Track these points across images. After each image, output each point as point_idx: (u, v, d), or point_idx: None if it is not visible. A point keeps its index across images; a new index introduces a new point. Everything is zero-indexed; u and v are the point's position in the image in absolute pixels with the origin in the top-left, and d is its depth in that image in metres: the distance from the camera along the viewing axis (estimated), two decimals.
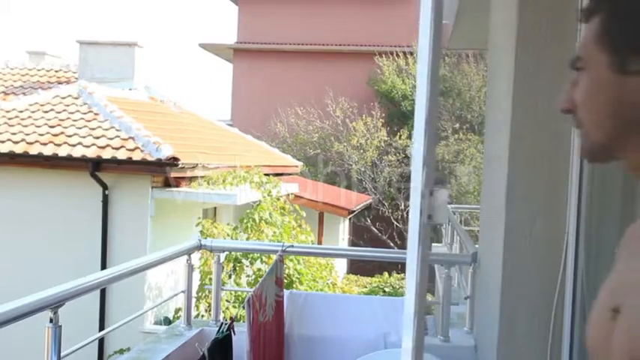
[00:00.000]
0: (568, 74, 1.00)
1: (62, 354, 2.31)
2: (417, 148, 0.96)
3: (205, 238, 4.63)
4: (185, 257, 3.60)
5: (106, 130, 9.24)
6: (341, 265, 15.68)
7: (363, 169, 18.66)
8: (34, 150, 8.79)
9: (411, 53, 19.75)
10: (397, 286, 13.70)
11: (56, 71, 13.62)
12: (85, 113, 9.81)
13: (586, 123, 0.98)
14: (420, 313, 0.94)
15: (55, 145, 8.87)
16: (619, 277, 0.96)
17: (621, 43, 0.94)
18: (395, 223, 18.29)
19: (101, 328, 8.47)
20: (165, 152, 8.47)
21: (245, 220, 8.52)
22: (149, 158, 8.53)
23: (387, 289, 13.71)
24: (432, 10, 0.94)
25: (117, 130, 9.20)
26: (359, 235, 18.17)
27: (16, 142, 8.93)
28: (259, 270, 8.05)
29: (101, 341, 8.43)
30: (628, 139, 0.94)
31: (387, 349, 3.21)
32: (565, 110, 1.03)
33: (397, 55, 20.27)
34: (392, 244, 17.84)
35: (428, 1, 0.96)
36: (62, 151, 8.76)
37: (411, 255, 0.95)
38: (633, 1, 0.95)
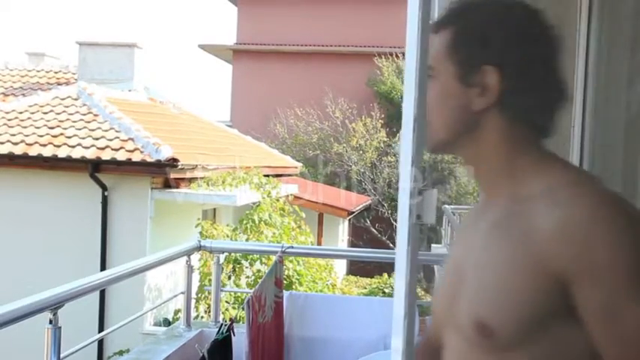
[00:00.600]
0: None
1: (62, 355, 2.31)
2: (405, 146, 0.95)
3: (205, 239, 4.63)
4: (184, 258, 3.60)
5: (106, 131, 9.24)
6: (340, 266, 15.68)
7: (362, 170, 18.66)
8: (33, 151, 8.79)
9: None
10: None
11: (55, 72, 13.62)
12: (84, 114, 9.81)
13: (434, 123, 1.13)
14: (411, 315, 0.94)
15: (55, 146, 8.87)
16: (459, 256, 1.19)
17: (466, 59, 1.10)
18: (394, 224, 18.29)
19: (101, 329, 8.47)
20: (165, 153, 8.47)
21: (244, 221, 8.52)
22: (149, 159, 8.53)
23: (386, 290, 13.72)
24: (420, 5, 0.94)
25: (116, 132, 9.20)
26: (358, 236, 18.18)
27: (15, 144, 8.93)
28: (259, 271, 8.04)
29: (101, 342, 8.43)
30: (464, 139, 1.14)
31: (387, 350, 3.21)
32: None
33: (396, 56, 20.28)
34: (391, 245, 17.85)
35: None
36: (61, 153, 8.76)
37: (400, 256, 0.95)
38: (477, 22, 1.11)
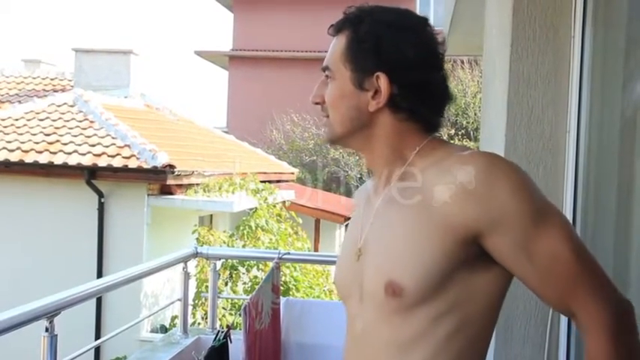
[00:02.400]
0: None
1: None
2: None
3: (201, 246, 4.63)
4: (181, 265, 3.59)
5: (102, 137, 9.23)
6: None
7: (359, 175, 18.66)
8: (29, 158, 8.78)
9: None
10: None
11: (52, 79, 13.61)
12: (80, 121, 9.80)
13: (331, 118, 1.29)
14: None
15: (51, 153, 8.86)
16: (356, 235, 1.32)
17: (360, 65, 1.24)
18: None
19: (97, 336, 8.44)
20: (161, 160, 8.47)
21: (241, 228, 8.51)
22: (145, 166, 8.52)
23: None
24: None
25: (113, 138, 9.19)
26: None
27: (11, 151, 8.91)
28: (255, 277, 8.03)
29: (97, 350, 8.40)
30: (359, 134, 1.28)
31: None
32: (314, 103, 1.33)
33: None
34: None
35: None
36: (58, 159, 8.74)
37: None
38: (370, 30, 1.24)
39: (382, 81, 1.23)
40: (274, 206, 9.16)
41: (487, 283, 1.18)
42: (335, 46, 1.30)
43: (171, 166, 8.51)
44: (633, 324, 1.11)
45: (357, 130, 1.28)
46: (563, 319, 2.57)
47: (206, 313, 6.90)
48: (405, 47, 1.23)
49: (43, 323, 2.24)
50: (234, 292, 7.97)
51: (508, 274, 1.19)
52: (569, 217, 2.53)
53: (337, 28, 1.32)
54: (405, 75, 1.23)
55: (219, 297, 4.84)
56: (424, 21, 1.28)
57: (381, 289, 1.19)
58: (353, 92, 1.26)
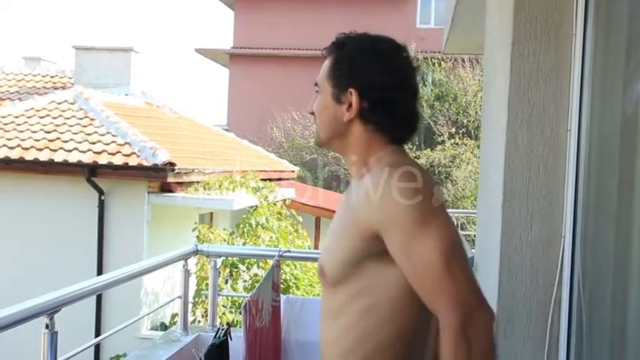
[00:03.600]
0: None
1: None
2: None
3: (202, 244, 4.62)
4: (181, 263, 3.60)
5: (102, 135, 9.23)
6: None
7: None
8: (30, 155, 8.77)
9: None
10: None
11: (52, 77, 13.60)
12: (81, 119, 9.80)
13: (318, 125, 1.60)
14: None
15: (51, 150, 8.86)
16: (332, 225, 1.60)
17: (338, 84, 1.52)
18: None
19: (97, 334, 8.44)
20: (162, 157, 8.47)
21: (241, 225, 8.51)
22: (145, 163, 8.51)
23: None
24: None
25: (113, 136, 9.19)
26: None
27: (11, 148, 8.91)
28: (256, 275, 8.03)
29: (97, 347, 8.41)
30: (338, 139, 1.57)
31: None
32: (310, 113, 1.62)
33: None
34: None
35: None
36: (58, 157, 8.74)
37: None
38: (348, 54, 1.52)
39: (353, 97, 1.50)
40: (274, 204, 9.16)
41: (394, 276, 1.42)
42: (324, 67, 1.58)
43: (172, 164, 8.51)
44: (481, 329, 1.31)
45: (336, 136, 1.57)
46: (564, 318, 2.57)
47: (206, 311, 6.90)
48: (374, 70, 1.50)
49: (44, 320, 2.25)
50: (235, 289, 7.97)
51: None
52: (569, 214, 2.54)
53: (327, 52, 1.58)
54: (373, 93, 1.49)
55: (219, 295, 4.85)
56: (400, 48, 1.55)
57: (319, 270, 1.55)
58: (333, 105, 1.54)
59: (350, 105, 1.51)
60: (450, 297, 1.31)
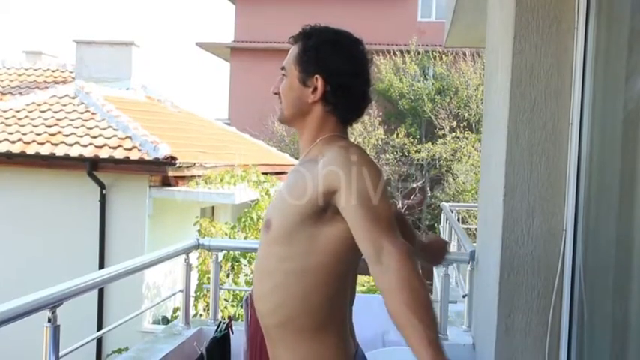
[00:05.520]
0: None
1: (60, 353, 2.31)
2: None
3: (203, 237, 4.63)
4: (183, 256, 3.60)
5: (104, 129, 9.23)
6: None
7: None
8: (31, 150, 8.77)
9: (408, 52, 19.76)
10: None
11: (53, 71, 13.59)
12: (82, 113, 9.79)
13: (283, 104, 1.79)
14: None
15: (53, 144, 8.86)
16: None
17: (305, 69, 1.71)
18: None
19: (99, 327, 8.47)
20: (163, 151, 8.46)
21: (243, 219, 8.52)
22: (147, 157, 8.51)
23: None
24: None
25: (114, 130, 9.18)
26: None
27: (13, 142, 8.91)
28: None
29: (99, 341, 8.43)
30: (299, 118, 1.76)
31: (385, 348, 3.21)
32: (274, 93, 1.82)
33: (394, 54, 20.26)
34: None
35: None
36: (59, 151, 8.74)
37: None
38: (315, 43, 1.71)
39: (319, 81, 1.69)
40: None
41: (327, 242, 1.62)
42: (291, 53, 1.76)
43: (173, 158, 8.51)
44: (411, 258, 1.51)
45: (299, 114, 1.75)
46: (565, 312, 2.58)
47: (208, 305, 6.93)
48: (337, 58, 1.70)
49: (46, 314, 2.25)
50: (236, 283, 7.98)
51: (346, 237, 1.59)
52: (571, 207, 2.54)
53: (295, 40, 1.77)
54: (335, 78, 1.69)
55: (220, 288, 4.86)
56: (358, 41, 1.75)
57: (264, 223, 1.73)
58: (298, 87, 1.73)
59: (315, 88, 1.70)
60: (389, 239, 1.51)
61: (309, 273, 1.64)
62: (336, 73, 1.69)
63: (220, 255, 4.17)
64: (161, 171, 8.68)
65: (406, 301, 1.44)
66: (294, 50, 1.76)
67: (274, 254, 1.68)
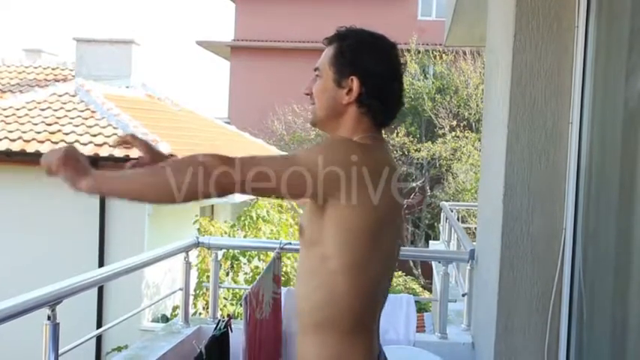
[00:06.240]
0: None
1: (60, 351, 2.31)
2: None
3: (203, 236, 4.63)
4: (183, 255, 3.60)
5: (103, 127, 9.23)
6: None
7: None
8: (31, 148, 8.77)
9: (408, 50, 19.74)
10: (394, 284, 13.71)
11: (53, 69, 13.59)
12: (82, 111, 9.79)
13: (316, 105, 1.75)
14: None
15: (53, 142, 8.86)
16: None
17: (340, 70, 1.70)
18: None
19: (99, 325, 8.47)
20: (163, 150, 8.43)
21: (242, 218, 8.52)
22: None
23: None
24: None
25: (114, 128, 9.18)
26: None
27: (13, 140, 8.91)
28: (257, 268, 8.05)
29: (99, 339, 8.43)
30: (333, 120, 1.73)
31: (385, 346, 3.21)
32: (306, 94, 1.78)
33: None
34: None
35: None
36: None
37: None
38: (351, 45, 1.70)
39: (355, 83, 1.68)
40: None
41: (331, 226, 1.59)
42: (326, 54, 1.74)
43: (173, 156, 8.49)
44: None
45: (333, 116, 1.73)
46: (565, 311, 2.58)
47: (207, 303, 6.92)
48: (374, 61, 1.69)
49: (45, 311, 2.25)
50: (236, 282, 7.98)
51: (349, 228, 1.59)
52: (570, 206, 2.54)
53: (329, 41, 1.75)
54: (370, 80, 1.68)
55: (220, 287, 4.86)
56: (393, 45, 1.75)
57: (300, 230, 1.73)
58: (333, 88, 1.71)
59: (350, 90, 1.68)
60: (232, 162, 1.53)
61: (346, 272, 1.62)
62: (371, 74, 1.69)
63: (220, 253, 4.17)
64: None
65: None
66: (328, 51, 1.74)
67: (313, 257, 1.67)
